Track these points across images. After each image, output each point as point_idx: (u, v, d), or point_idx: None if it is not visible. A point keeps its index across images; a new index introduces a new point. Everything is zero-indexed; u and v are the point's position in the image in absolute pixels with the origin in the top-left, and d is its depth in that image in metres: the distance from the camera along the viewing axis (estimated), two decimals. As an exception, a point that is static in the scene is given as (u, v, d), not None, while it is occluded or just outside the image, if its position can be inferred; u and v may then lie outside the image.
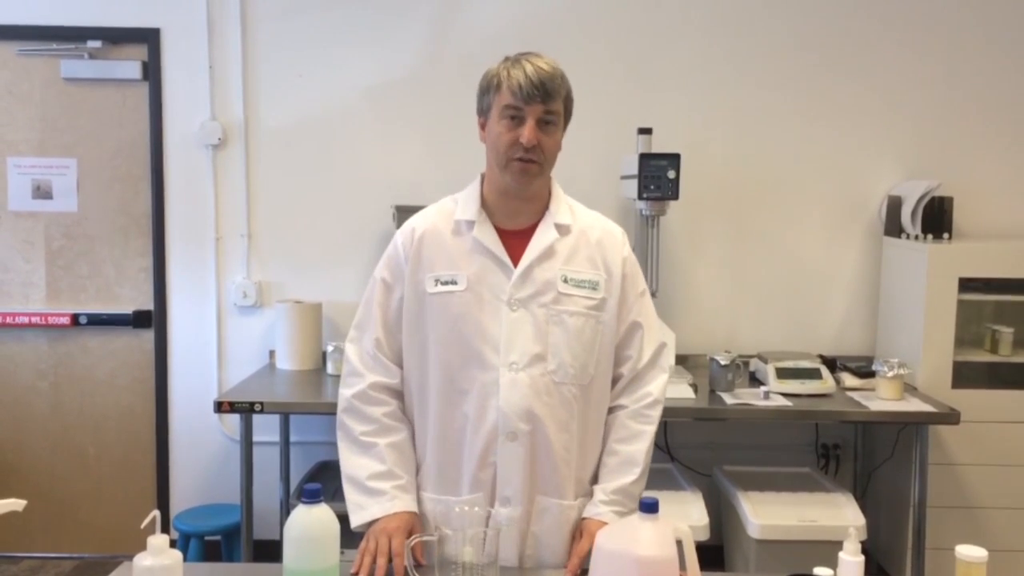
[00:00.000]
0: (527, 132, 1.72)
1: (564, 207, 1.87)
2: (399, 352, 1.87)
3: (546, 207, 1.86)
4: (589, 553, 1.57)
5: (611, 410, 1.89)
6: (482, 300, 1.79)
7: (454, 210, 1.86)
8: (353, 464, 1.84)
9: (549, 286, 1.80)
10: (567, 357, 1.79)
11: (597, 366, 1.83)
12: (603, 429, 1.89)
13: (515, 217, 1.84)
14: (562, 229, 1.84)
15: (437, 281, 1.81)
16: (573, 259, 1.83)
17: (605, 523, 1.74)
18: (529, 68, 1.73)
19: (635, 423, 1.86)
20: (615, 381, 1.89)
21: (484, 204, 1.84)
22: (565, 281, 1.81)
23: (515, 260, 1.81)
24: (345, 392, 1.89)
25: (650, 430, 1.86)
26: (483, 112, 1.82)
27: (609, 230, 1.90)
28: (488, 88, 1.79)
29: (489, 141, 1.80)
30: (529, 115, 1.73)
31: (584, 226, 1.87)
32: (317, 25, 3.77)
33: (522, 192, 1.81)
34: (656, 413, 1.87)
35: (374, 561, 1.68)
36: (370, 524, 1.77)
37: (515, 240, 1.83)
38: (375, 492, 1.79)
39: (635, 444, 1.85)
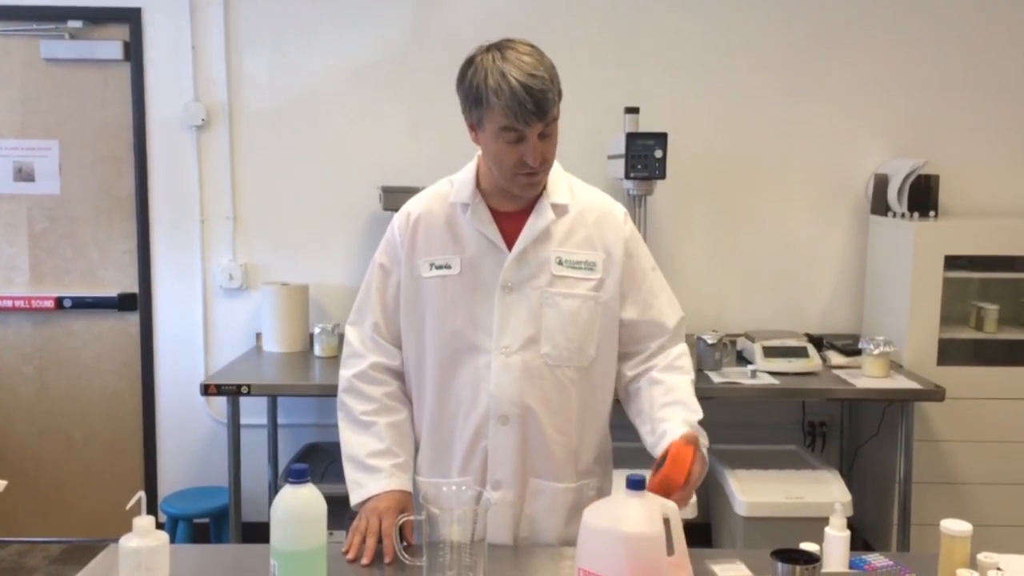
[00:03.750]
0: (532, 153, 1.66)
1: (563, 186, 1.83)
2: (398, 335, 1.86)
3: (543, 187, 1.81)
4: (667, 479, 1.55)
5: (635, 379, 1.86)
6: (476, 284, 1.77)
7: (449, 193, 1.83)
8: (353, 443, 1.83)
9: (543, 268, 1.77)
10: (562, 339, 1.77)
11: (598, 348, 1.81)
12: (607, 411, 1.87)
13: (511, 200, 1.80)
14: (558, 209, 1.80)
15: (432, 265, 1.79)
16: (569, 240, 1.80)
17: (688, 435, 1.65)
18: (516, 84, 1.59)
19: (669, 374, 1.82)
20: (638, 353, 1.86)
21: (479, 187, 1.81)
22: (560, 263, 1.78)
23: (510, 242, 1.78)
24: (345, 373, 1.88)
25: (687, 378, 1.82)
26: (473, 123, 1.71)
27: (609, 209, 1.85)
28: (477, 101, 1.65)
29: (488, 155, 1.73)
30: (530, 134, 1.64)
31: (583, 206, 1.83)
32: (301, 5, 3.73)
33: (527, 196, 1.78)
34: (689, 364, 1.85)
35: (364, 541, 1.69)
36: (367, 502, 1.77)
37: (511, 222, 1.80)
38: (373, 470, 1.79)
39: (676, 377, 1.81)
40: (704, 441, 1.72)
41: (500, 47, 1.67)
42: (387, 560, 1.67)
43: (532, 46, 1.69)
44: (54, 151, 3.82)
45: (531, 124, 1.63)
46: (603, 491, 1.90)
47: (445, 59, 3.87)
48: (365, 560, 1.67)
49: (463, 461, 1.80)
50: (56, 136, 3.81)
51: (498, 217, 1.80)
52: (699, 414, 1.77)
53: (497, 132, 1.66)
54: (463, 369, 1.78)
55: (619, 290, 1.82)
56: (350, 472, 1.82)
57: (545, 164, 1.71)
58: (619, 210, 1.87)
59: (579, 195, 1.85)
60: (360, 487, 1.78)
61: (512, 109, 1.61)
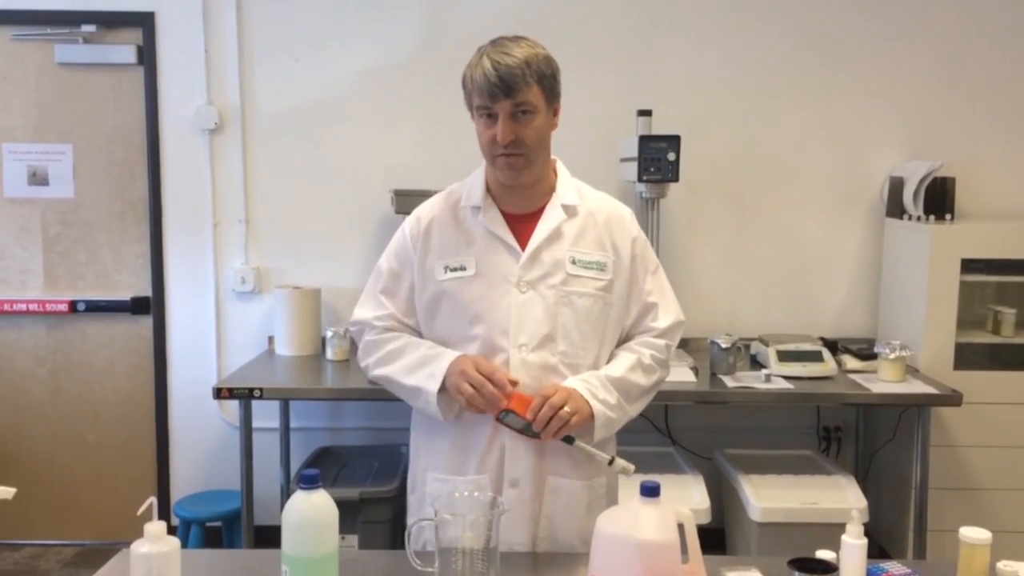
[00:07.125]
0: (500, 130, 1.73)
1: (571, 188, 1.88)
2: (415, 326, 1.89)
3: (553, 189, 1.86)
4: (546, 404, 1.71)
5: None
6: (492, 284, 1.80)
7: (460, 197, 1.87)
8: (400, 365, 1.83)
9: (558, 267, 1.81)
10: (577, 337, 1.81)
11: (601, 346, 1.85)
12: None
13: (521, 202, 1.85)
14: (569, 210, 1.84)
15: (446, 268, 1.82)
16: (581, 240, 1.84)
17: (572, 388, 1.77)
18: (488, 64, 1.70)
19: (624, 351, 1.89)
20: (625, 341, 1.92)
21: (489, 190, 1.85)
22: (573, 263, 1.82)
23: (523, 243, 1.81)
24: (363, 347, 1.91)
25: (634, 357, 1.86)
26: (469, 109, 1.82)
27: (617, 211, 1.90)
28: (465, 87, 1.78)
29: (478, 139, 1.81)
30: (499, 112, 1.72)
31: (592, 207, 1.88)
32: (313, 9, 3.74)
33: (514, 184, 1.81)
34: (650, 353, 1.87)
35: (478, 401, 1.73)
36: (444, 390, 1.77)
37: (522, 224, 1.83)
38: (431, 358, 1.79)
39: (624, 352, 1.88)
40: (593, 386, 1.79)
41: (494, 40, 1.78)
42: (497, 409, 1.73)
43: (527, 38, 1.78)
44: (68, 155, 3.83)
45: (497, 101, 1.70)
46: (611, 487, 1.92)
47: (457, 63, 3.83)
48: (493, 410, 1.73)
49: (480, 459, 1.81)
50: (70, 140, 3.83)
51: (509, 219, 1.84)
52: (599, 388, 1.79)
53: (476, 111, 1.76)
54: None
55: (625, 291, 1.86)
56: (412, 377, 1.80)
57: (522, 148, 1.75)
58: (627, 212, 1.93)
59: (587, 197, 1.90)
60: (432, 377, 1.77)
61: (482, 87, 1.71)
